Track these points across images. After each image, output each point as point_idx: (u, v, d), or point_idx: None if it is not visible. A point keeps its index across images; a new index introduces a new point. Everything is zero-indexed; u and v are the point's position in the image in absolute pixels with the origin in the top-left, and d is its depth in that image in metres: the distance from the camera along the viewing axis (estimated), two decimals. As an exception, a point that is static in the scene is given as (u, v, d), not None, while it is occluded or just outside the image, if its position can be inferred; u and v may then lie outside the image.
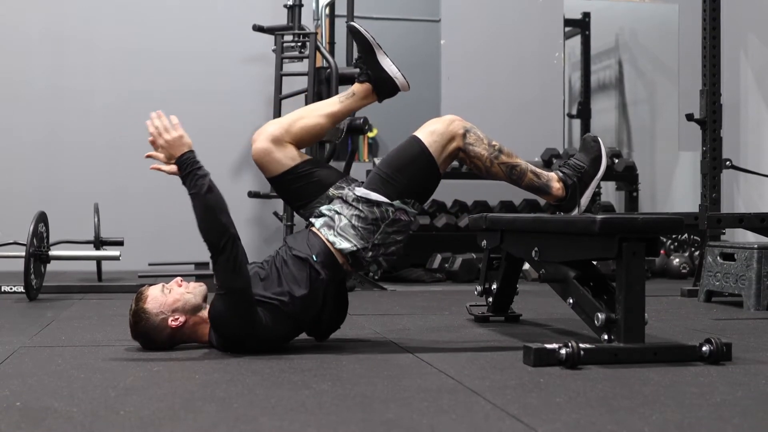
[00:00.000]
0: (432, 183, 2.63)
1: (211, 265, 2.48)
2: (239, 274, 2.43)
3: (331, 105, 2.74)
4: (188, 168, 2.47)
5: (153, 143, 2.52)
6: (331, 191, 2.62)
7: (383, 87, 2.73)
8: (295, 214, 5.17)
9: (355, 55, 2.75)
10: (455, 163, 5.51)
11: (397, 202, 2.54)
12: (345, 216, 2.54)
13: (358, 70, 2.75)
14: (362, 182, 2.65)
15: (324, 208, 2.60)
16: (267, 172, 2.67)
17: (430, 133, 2.59)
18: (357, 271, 2.61)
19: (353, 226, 2.53)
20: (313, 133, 2.70)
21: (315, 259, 2.52)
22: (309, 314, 2.54)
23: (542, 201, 5.75)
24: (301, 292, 2.50)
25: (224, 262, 2.41)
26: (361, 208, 2.53)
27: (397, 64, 2.73)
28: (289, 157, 2.64)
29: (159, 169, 2.54)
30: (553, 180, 2.68)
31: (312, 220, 2.62)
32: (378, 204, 2.53)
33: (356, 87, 2.74)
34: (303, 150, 2.74)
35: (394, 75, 2.71)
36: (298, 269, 2.51)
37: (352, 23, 2.77)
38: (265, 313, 2.47)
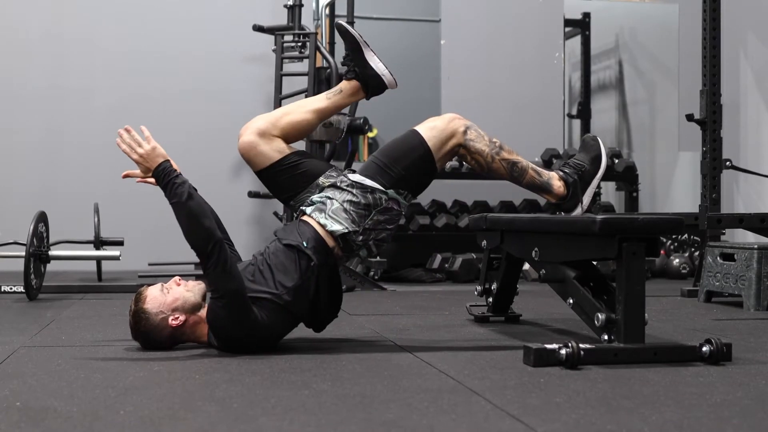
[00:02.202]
0: (427, 177, 2.64)
1: (203, 271, 2.48)
2: (230, 275, 2.43)
3: (319, 101, 2.75)
4: (165, 178, 2.47)
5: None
6: (321, 180, 2.64)
7: (371, 84, 2.74)
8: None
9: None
10: (455, 163, 5.53)
11: (391, 191, 2.56)
12: (337, 200, 2.55)
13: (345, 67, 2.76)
14: (354, 170, 2.66)
15: (315, 197, 2.61)
16: (254, 166, 2.67)
17: (430, 128, 2.60)
18: (347, 256, 2.62)
19: (345, 210, 2.54)
20: (300, 129, 2.71)
21: (305, 245, 2.52)
22: (302, 304, 2.54)
23: (542, 201, 5.75)
24: (291, 282, 2.50)
25: (214, 266, 2.42)
26: (354, 192, 2.54)
27: (384, 62, 2.73)
28: (276, 150, 2.65)
29: (145, 181, 2.56)
30: (554, 179, 2.69)
31: (303, 208, 2.63)
32: (372, 190, 2.54)
33: (344, 84, 2.75)
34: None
35: (381, 73, 2.72)
36: (287, 259, 2.52)
37: (340, 22, 2.79)
38: (260, 309, 2.47)
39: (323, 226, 2.54)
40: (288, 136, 2.68)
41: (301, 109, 2.71)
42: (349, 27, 2.74)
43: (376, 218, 2.56)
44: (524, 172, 2.65)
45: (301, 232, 2.55)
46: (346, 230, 2.54)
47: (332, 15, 5.91)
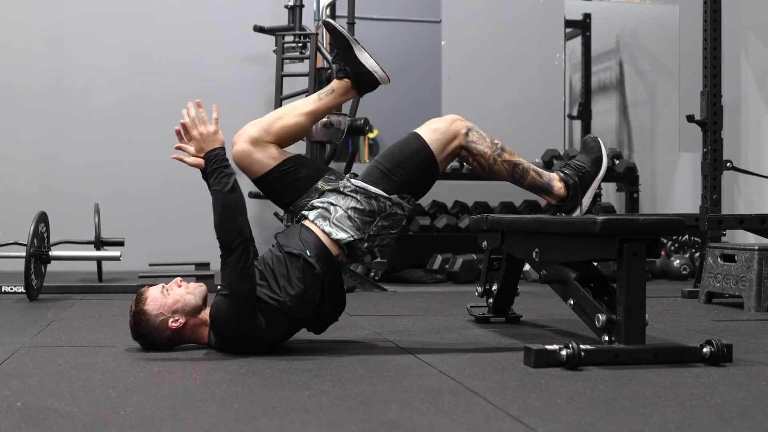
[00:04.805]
0: (430, 180, 2.63)
1: (220, 264, 2.48)
2: (246, 278, 2.44)
3: (310, 103, 2.69)
4: (216, 164, 2.49)
5: (181, 133, 2.54)
6: (320, 184, 2.61)
7: (362, 82, 2.70)
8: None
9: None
10: (455, 164, 5.53)
11: (394, 197, 2.54)
12: (341, 207, 2.53)
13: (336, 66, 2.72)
14: (355, 174, 2.63)
15: (316, 201, 2.58)
16: (250, 174, 2.63)
17: (432, 130, 2.58)
18: (351, 262, 2.62)
19: (349, 217, 2.52)
20: (293, 133, 2.66)
21: (308, 254, 2.49)
22: (306, 311, 2.53)
23: (543, 201, 5.75)
24: (295, 290, 2.48)
25: (233, 264, 2.42)
26: (358, 198, 2.52)
27: (375, 58, 2.70)
28: (271, 156, 2.61)
29: (181, 160, 2.55)
30: (555, 180, 2.69)
31: (305, 212, 2.59)
32: (376, 197, 2.52)
33: (335, 83, 2.71)
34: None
35: (372, 69, 2.68)
36: (291, 267, 2.49)
37: (328, 20, 2.75)
38: (263, 313, 2.47)
39: (328, 235, 2.51)
40: (281, 141, 2.64)
41: (293, 113, 2.66)
42: (337, 24, 2.70)
43: (381, 224, 2.53)
44: (526, 174, 2.65)
45: (304, 240, 2.52)
46: (352, 238, 2.51)
47: (333, 16, 5.90)
